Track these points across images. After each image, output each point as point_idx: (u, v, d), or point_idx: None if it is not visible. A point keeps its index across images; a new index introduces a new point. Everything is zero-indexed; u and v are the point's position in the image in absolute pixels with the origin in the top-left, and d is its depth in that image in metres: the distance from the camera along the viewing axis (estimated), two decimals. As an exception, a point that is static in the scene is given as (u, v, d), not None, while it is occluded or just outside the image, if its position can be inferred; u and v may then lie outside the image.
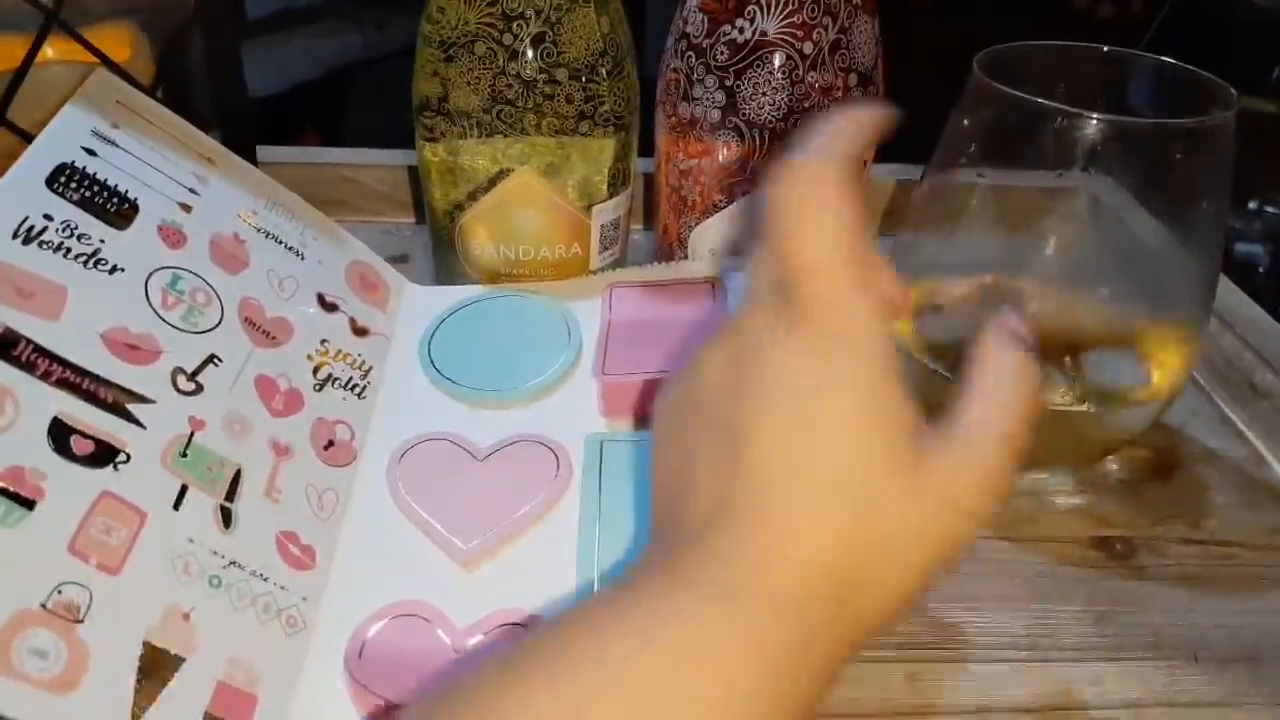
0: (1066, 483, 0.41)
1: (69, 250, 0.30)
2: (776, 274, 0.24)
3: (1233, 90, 0.34)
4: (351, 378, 0.37)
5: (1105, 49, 0.37)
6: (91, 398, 0.28)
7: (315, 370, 0.36)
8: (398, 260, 0.53)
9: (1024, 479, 0.41)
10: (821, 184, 0.23)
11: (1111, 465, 0.42)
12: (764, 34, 0.38)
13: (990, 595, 0.35)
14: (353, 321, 0.39)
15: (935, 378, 0.38)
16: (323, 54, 1.24)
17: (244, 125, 0.44)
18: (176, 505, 0.28)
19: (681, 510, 0.24)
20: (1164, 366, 0.38)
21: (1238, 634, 0.34)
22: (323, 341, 0.37)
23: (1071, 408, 0.37)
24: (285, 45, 1.20)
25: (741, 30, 0.38)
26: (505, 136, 0.40)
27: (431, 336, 0.41)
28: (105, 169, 0.33)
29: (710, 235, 0.44)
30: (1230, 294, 0.50)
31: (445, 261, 0.45)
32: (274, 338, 0.35)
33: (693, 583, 0.22)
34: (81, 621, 0.24)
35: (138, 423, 0.29)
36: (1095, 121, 0.32)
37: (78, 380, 0.28)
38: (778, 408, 0.23)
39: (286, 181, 0.40)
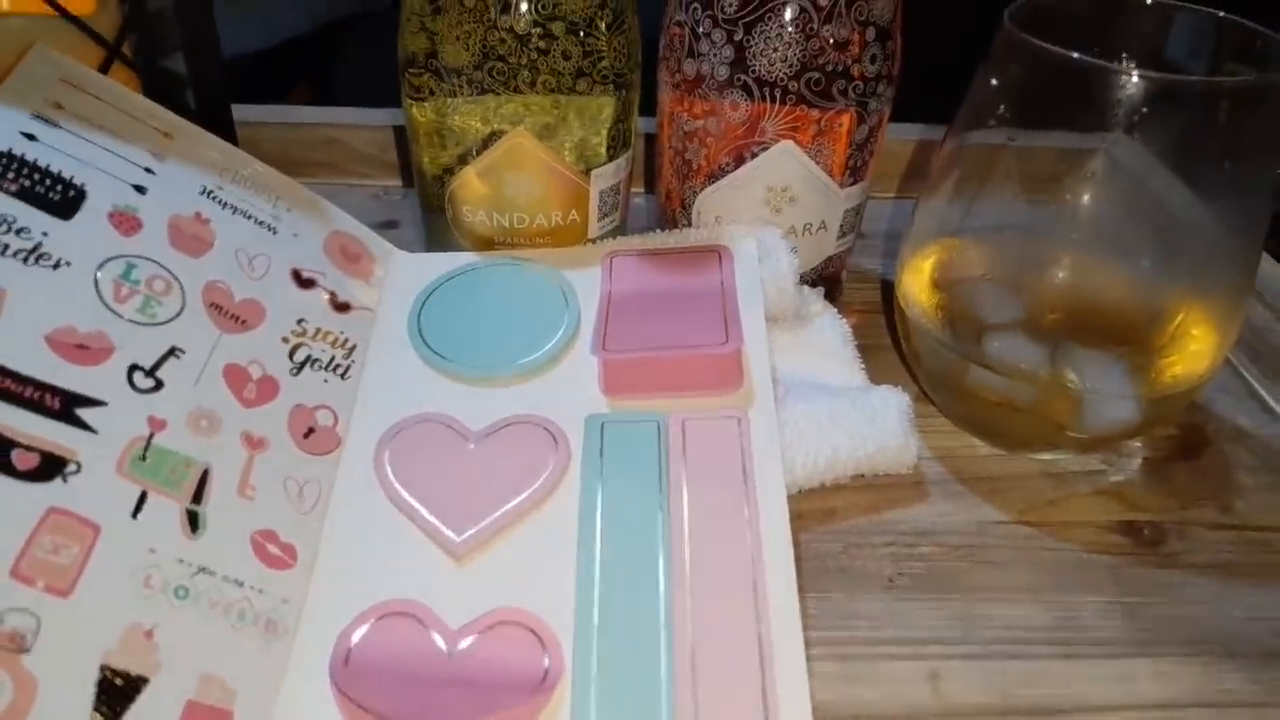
0: (1088, 462, 0.39)
1: (6, 247, 0.28)
2: None
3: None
4: (333, 358, 0.35)
5: (1150, 0, 0.35)
6: (35, 406, 0.26)
7: (291, 353, 0.34)
8: (387, 226, 0.51)
9: (1043, 457, 0.39)
10: None
11: (1135, 443, 0.40)
12: (776, -17, 0.35)
13: (1011, 585, 0.34)
14: (333, 296, 0.36)
15: (954, 358, 0.36)
16: (314, 6, 1.19)
17: (216, 81, 0.41)
18: (135, 514, 0.27)
19: None
20: (1197, 346, 0.35)
21: (1276, 627, 0.33)
22: (299, 321, 0.35)
23: (1084, 392, 0.35)
24: (273, -2, 1.15)
25: (752, -21, 0.36)
26: (497, 95, 0.37)
27: (421, 309, 0.39)
28: (47, 154, 0.31)
29: (716, 201, 0.41)
30: (1262, 261, 0.47)
31: (435, 228, 0.43)
32: (244, 322, 0.33)
33: None
34: (28, 651, 0.23)
35: (89, 428, 0.27)
36: (1138, 80, 0.30)
37: (18, 389, 0.26)
38: None
39: (267, 143, 0.37)
